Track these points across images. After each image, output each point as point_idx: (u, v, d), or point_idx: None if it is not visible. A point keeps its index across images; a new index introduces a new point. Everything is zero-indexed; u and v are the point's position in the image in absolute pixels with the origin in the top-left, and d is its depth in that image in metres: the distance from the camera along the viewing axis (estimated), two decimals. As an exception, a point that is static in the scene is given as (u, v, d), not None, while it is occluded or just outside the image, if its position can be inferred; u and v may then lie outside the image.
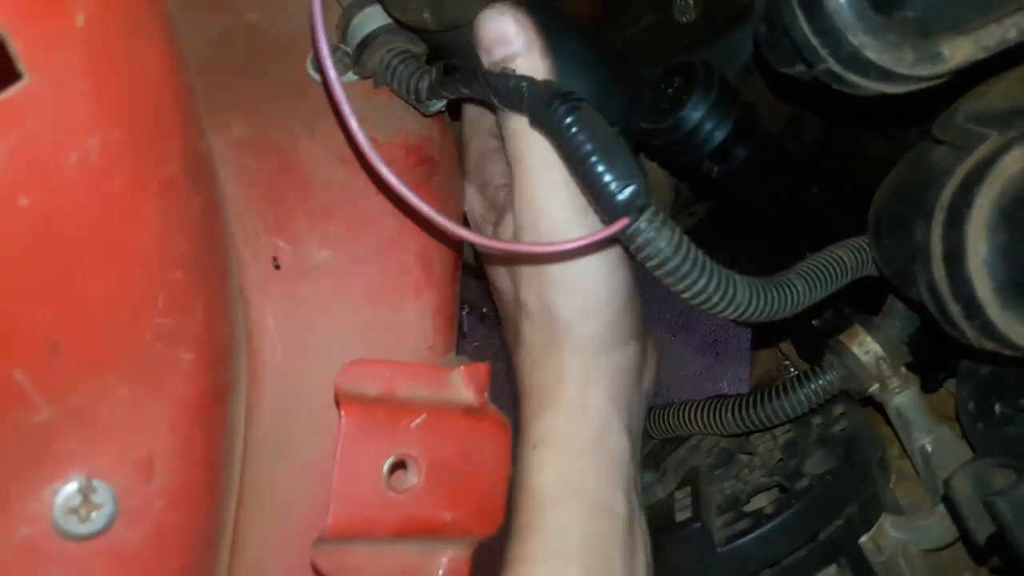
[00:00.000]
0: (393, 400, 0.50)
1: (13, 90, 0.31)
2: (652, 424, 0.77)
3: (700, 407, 0.72)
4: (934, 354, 0.64)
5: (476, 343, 1.41)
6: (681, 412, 0.74)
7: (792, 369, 0.88)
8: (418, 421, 0.50)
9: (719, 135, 0.59)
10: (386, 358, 0.56)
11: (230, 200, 0.58)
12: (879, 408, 0.65)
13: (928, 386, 0.66)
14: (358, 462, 0.48)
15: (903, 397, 0.62)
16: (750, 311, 0.51)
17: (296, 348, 0.56)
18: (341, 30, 0.62)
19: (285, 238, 0.58)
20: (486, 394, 0.53)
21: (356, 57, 0.61)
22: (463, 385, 0.52)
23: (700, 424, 0.72)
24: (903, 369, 0.63)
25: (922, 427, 0.62)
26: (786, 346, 0.90)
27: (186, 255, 0.42)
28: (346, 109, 0.45)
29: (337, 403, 0.49)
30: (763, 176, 0.62)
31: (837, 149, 0.79)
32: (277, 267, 0.57)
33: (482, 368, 0.53)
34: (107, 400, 0.41)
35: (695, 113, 0.58)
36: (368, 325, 0.58)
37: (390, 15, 0.58)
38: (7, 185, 0.33)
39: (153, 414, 0.43)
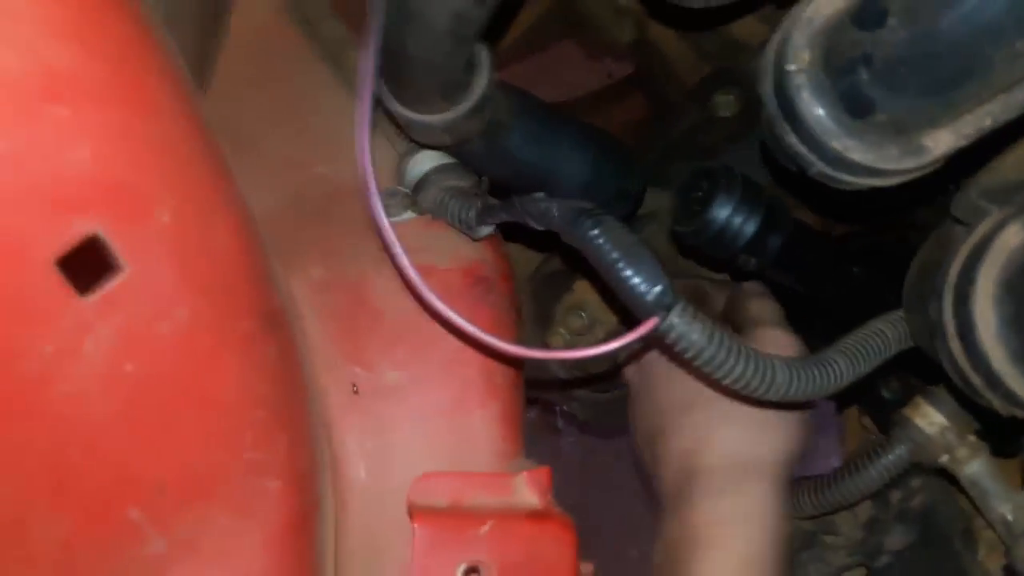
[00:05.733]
0: (462, 509, 0.54)
1: (116, 281, 0.38)
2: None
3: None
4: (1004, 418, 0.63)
5: (572, 439, 1.44)
6: None
7: (878, 442, 0.87)
8: (486, 528, 0.54)
9: (749, 229, 0.63)
10: (458, 468, 0.61)
11: (311, 335, 0.65)
12: (953, 479, 0.65)
13: (1004, 451, 0.65)
14: (433, 571, 0.52)
15: (974, 466, 0.62)
16: (791, 391, 0.53)
17: (377, 466, 0.62)
18: (399, 174, 0.70)
19: (361, 365, 0.64)
20: (550, 496, 0.56)
21: (413, 197, 0.69)
22: (527, 490, 0.56)
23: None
24: (971, 437, 0.63)
25: (999, 495, 0.61)
26: (868, 420, 0.89)
27: (267, 396, 0.48)
28: (393, 245, 0.51)
29: (410, 515, 0.54)
30: (800, 262, 0.65)
31: (886, 224, 0.81)
32: (355, 392, 0.63)
33: (544, 472, 0.57)
34: (208, 529, 0.47)
35: (722, 212, 0.62)
36: (440, 438, 0.63)
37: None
38: (115, 356, 0.40)
39: (250, 539, 0.49)
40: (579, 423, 1.13)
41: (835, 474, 0.68)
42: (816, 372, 0.54)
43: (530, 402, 0.99)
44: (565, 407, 1.10)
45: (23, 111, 0.32)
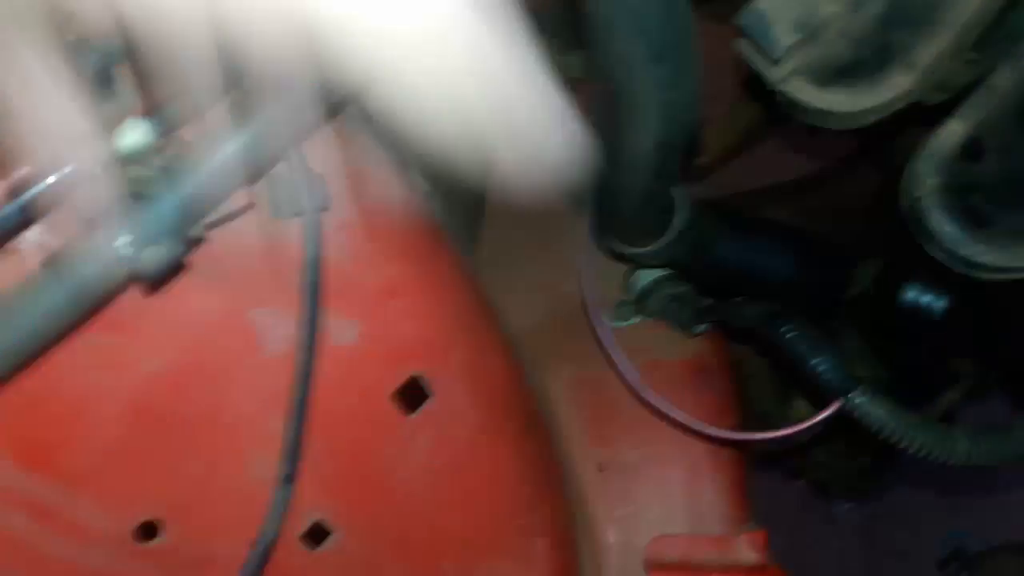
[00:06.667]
0: (690, 565, 0.67)
1: (429, 404, 0.57)
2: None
3: None
4: None
5: (847, 505, 1.45)
6: None
7: None
8: (712, 580, 0.66)
9: (940, 306, 0.71)
10: (690, 531, 0.74)
11: (565, 423, 0.82)
12: None
13: None
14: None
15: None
16: (973, 458, 0.60)
17: (624, 530, 0.76)
18: (627, 287, 0.86)
19: (606, 445, 0.80)
20: (766, 554, 0.67)
21: (640, 304, 0.84)
22: (747, 549, 0.67)
23: None
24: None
25: None
26: None
27: (531, 475, 0.65)
28: (613, 350, 0.67)
29: (646, 570, 0.67)
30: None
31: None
32: (601, 469, 0.79)
33: (761, 535, 0.68)
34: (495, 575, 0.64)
35: (912, 294, 0.71)
36: (674, 506, 0.76)
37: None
38: (430, 454, 0.59)
39: (528, 584, 0.66)
40: (822, 487, 1.19)
41: None
42: (997, 439, 0.61)
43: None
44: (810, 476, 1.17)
45: (373, 305, 0.53)
